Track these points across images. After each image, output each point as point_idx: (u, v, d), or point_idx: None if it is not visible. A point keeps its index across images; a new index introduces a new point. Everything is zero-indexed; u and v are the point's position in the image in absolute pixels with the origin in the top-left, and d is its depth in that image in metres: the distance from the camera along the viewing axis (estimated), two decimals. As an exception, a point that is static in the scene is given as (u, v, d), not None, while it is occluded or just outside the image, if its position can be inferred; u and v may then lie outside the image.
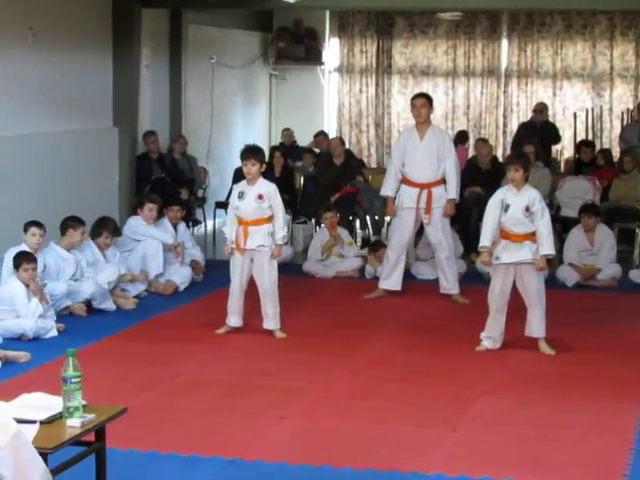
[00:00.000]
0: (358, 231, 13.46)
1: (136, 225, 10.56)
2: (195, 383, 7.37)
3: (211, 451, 5.87)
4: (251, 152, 8.59)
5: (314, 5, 13.15)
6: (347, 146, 15.07)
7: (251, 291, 8.78)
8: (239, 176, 10.39)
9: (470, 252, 11.48)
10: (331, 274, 11.31)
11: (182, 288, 10.51)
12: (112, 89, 12.16)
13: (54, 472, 4.21)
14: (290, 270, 10.97)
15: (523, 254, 8.05)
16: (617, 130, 15.74)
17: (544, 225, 8.05)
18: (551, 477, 5.68)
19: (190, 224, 12.89)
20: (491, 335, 8.27)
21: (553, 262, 10.04)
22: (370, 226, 13.28)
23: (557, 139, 14.82)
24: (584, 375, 7.66)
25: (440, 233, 10.04)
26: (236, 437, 6.17)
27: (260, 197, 8.51)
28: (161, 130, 13.22)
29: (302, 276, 11.23)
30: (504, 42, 16.49)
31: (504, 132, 16.60)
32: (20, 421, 3.94)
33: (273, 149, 14.01)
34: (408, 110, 11.76)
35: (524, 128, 14.71)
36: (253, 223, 8.53)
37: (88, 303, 9.41)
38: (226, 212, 9.85)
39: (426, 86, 16.64)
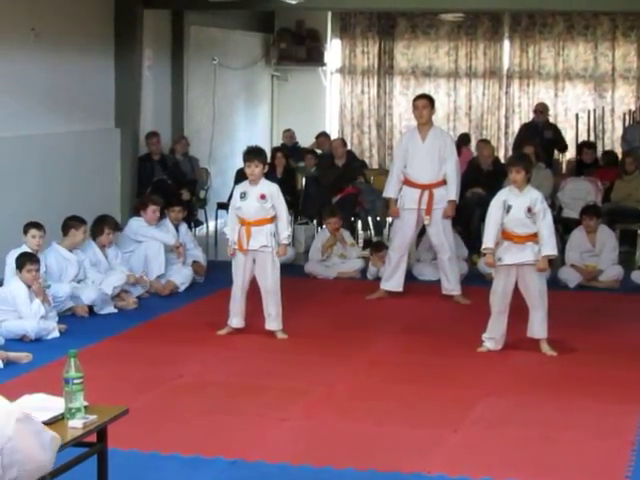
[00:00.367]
0: (359, 232, 13.47)
1: (137, 226, 10.56)
2: (197, 384, 7.37)
3: (213, 452, 5.87)
4: (254, 153, 8.59)
5: (316, 6, 13.13)
6: (349, 147, 15.07)
7: (253, 292, 8.78)
8: (241, 177, 10.40)
9: (472, 253, 11.48)
10: (333, 275, 11.30)
11: (182, 289, 10.50)
12: (114, 90, 12.18)
13: (56, 473, 4.21)
14: (292, 271, 10.96)
15: (525, 255, 8.05)
16: (619, 131, 15.76)
17: (546, 226, 8.04)
18: (553, 478, 5.68)
19: (192, 225, 12.90)
20: (493, 336, 8.26)
21: (555, 263, 10.03)
22: (372, 227, 13.28)
23: (563, 146, 14.69)
24: (586, 376, 7.66)
25: (442, 234, 10.03)
26: (238, 438, 6.17)
27: (262, 197, 8.51)
28: (163, 131, 13.22)
29: (304, 277, 11.23)
30: (506, 43, 16.50)
31: (506, 133, 16.61)
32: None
33: (275, 150, 14.01)
34: (410, 111, 11.74)
35: (526, 129, 14.70)
36: (256, 224, 8.53)
37: (89, 307, 9.42)
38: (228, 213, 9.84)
39: (428, 87, 16.65)
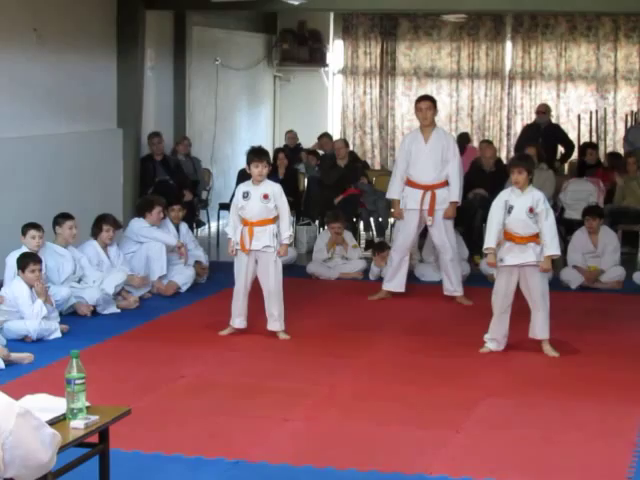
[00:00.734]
0: (362, 233, 13.48)
1: (139, 227, 10.56)
2: (199, 385, 7.37)
3: (215, 453, 5.87)
4: (262, 154, 8.61)
5: (318, 7, 13.13)
6: (351, 148, 15.08)
7: (255, 293, 8.78)
8: (243, 178, 10.40)
9: (474, 254, 11.48)
10: (335, 276, 11.31)
11: (184, 289, 10.51)
12: (116, 91, 12.18)
13: (58, 474, 4.21)
14: (294, 272, 10.97)
15: (527, 256, 8.05)
16: (621, 132, 15.76)
17: (548, 226, 8.04)
18: (555, 479, 5.67)
19: (194, 226, 12.91)
20: (495, 337, 8.26)
21: (557, 264, 10.03)
22: (374, 228, 13.28)
23: (570, 146, 14.64)
24: (588, 377, 7.65)
25: (444, 235, 10.03)
26: (240, 439, 6.17)
27: (266, 197, 8.51)
28: (165, 132, 13.23)
29: (306, 278, 11.23)
30: (508, 44, 16.50)
31: (508, 134, 16.60)
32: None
33: (277, 151, 14.02)
34: (412, 112, 11.76)
35: (528, 129, 14.69)
36: (258, 224, 8.52)
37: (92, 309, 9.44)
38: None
39: (430, 88, 16.66)
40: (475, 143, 15.47)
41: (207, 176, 14.10)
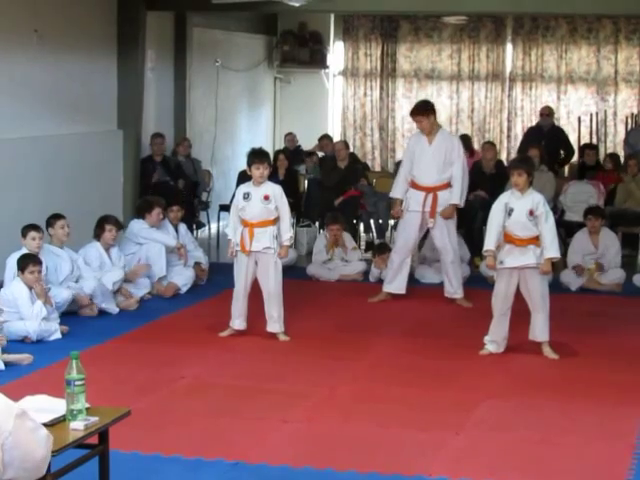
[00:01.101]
0: (362, 234, 13.47)
1: (139, 229, 10.56)
2: (198, 386, 7.37)
3: (214, 454, 5.87)
4: (264, 155, 8.62)
5: (319, 9, 13.13)
6: (351, 150, 15.07)
7: (255, 294, 8.78)
8: (243, 179, 10.40)
9: (474, 256, 11.48)
10: (335, 277, 11.30)
11: (184, 290, 10.51)
12: (117, 92, 12.19)
13: (57, 475, 4.21)
14: (294, 273, 10.96)
15: (527, 258, 8.05)
16: (621, 134, 15.76)
17: (548, 229, 8.04)
18: (554, 482, 5.69)
19: (194, 227, 12.91)
20: (495, 339, 8.26)
21: (557, 266, 10.02)
22: (374, 230, 13.28)
23: (570, 151, 14.62)
24: (588, 379, 7.65)
25: (445, 237, 10.03)
26: (239, 440, 6.16)
27: (266, 198, 8.51)
28: (165, 133, 13.23)
29: (306, 279, 11.23)
30: (509, 46, 16.49)
31: (508, 136, 16.60)
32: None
33: (277, 152, 14.02)
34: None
35: (531, 132, 14.67)
36: (259, 225, 8.52)
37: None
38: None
39: (430, 90, 16.68)
40: (476, 145, 15.45)
41: (207, 177, 14.09)
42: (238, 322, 8.76)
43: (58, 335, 8.57)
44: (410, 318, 9.66)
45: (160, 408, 6.81)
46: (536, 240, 8.06)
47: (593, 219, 10.97)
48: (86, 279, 9.45)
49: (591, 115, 15.91)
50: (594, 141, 15.54)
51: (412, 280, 10.65)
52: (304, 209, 13.43)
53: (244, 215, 8.57)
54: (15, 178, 10.34)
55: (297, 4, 10.98)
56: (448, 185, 9.90)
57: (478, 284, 10.53)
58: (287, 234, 8.63)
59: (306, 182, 14.07)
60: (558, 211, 12.33)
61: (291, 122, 16.48)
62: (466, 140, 14.92)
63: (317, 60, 16.91)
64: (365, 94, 17.16)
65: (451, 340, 8.72)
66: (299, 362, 8.03)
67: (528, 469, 5.79)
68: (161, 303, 10.11)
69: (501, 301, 8.18)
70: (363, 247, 12.97)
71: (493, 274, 8.67)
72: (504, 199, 8.19)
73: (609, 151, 15.54)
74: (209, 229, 13.90)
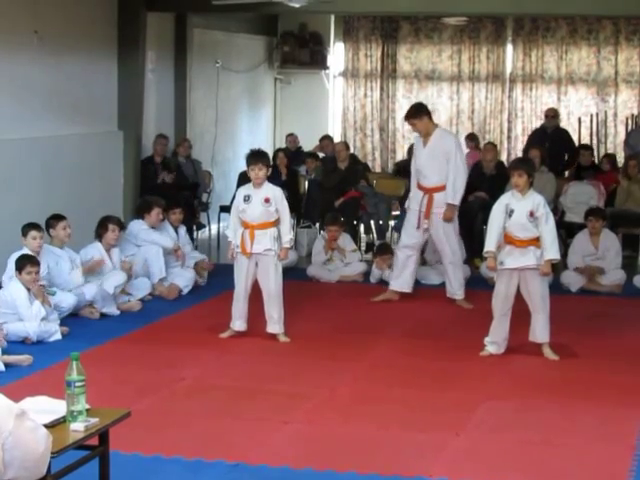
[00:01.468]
0: (362, 236, 13.47)
1: (137, 230, 10.54)
2: (199, 387, 7.37)
3: (215, 455, 5.87)
4: (258, 157, 8.59)
5: (319, 9, 13.12)
6: (351, 151, 15.07)
7: (255, 295, 8.78)
8: (243, 180, 10.39)
9: (474, 257, 11.47)
10: (335, 279, 11.30)
11: (186, 291, 10.51)
12: (117, 93, 12.19)
13: (57, 476, 4.21)
14: (294, 274, 10.96)
15: (527, 259, 8.05)
16: (622, 135, 15.75)
17: (548, 230, 8.04)
18: (555, 483, 5.69)
19: (194, 228, 12.91)
20: (495, 340, 8.26)
21: (557, 267, 10.02)
22: (374, 231, 13.28)
23: (572, 155, 14.55)
24: (588, 381, 7.65)
25: (443, 238, 10.04)
26: (240, 441, 6.16)
27: (267, 201, 8.51)
28: (166, 134, 13.22)
29: (306, 280, 11.23)
30: (509, 47, 16.48)
31: (508, 137, 16.59)
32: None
33: (277, 151, 14.02)
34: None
35: (535, 133, 14.65)
36: (259, 227, 8.53)
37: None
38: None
39: (431, 91, 16.68)
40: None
41: (207, 178, 14.09)
42: (238, 323, 8.77)
43: (58, 336, 8.57)
44: (411, 319, 9.66)
45: (160, 409, 6.81)
46: (536, 241, 8.06)
47: (594, 220, 10.97)
48: (87, 285, 9.43)
49: (591, 116, 15.91)
50: (594, 142, 15.53)
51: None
52: (304, 210, 13.42)
53: (244, 217, 8.57)
54: (15, 179, 10.34)
55: (297, 5, 10.96)
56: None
57: (478, 285, 10.53)
58: (287, 236, 8.63)
59: (306, 183, 14.06)
60: (558, 212, 12.33)
61: (291, 123, 16.47)
62: (473, 138, 14.97)
63: (317, 61, 16.90)
64: (365, 95, 17.15)
65: (451, 341, 8.72)
66: (299, 363, 8.03)
67: (528, 470, 5.79)
68: (161, 304, 10.11)
69: (501, 302, 8.18)
70: (363, 248, 12.96)
71: (493, 275, 8.67)
72: (504, 200, 8.19)
73: (610, 152, 15.53)
74: (209, 230, 13.90)
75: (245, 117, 16.15)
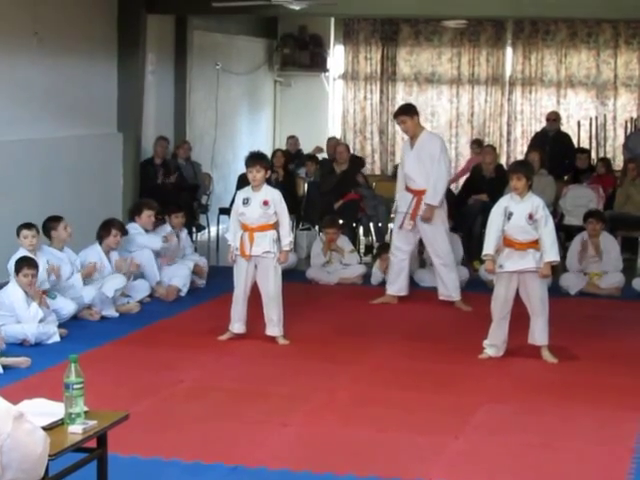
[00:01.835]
0: (361, 238, 13.47)
1: (132, 234, 10.46)
2: (197, 389, 7.36)
3: (213, 458, 5.86)
4: (256, 159, 8.59)
5: (319, 12, 13.13)
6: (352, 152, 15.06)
7: (254, 298, 8.78)
8: (243, 182, 10.39)
9: (473, 259, 11.47)
10: (334, 281, 11.29)
11: (184, 290, 10.49)
12: (117, 94, 12.19)
13: (55, 478, 4.21)
14: (293, 277, 10.95)
15: (526, 262, 8.05)
16: (621, 139, 15.75)
17: (548, 233, 8.04)
18: (554, 486, 5.68)
19: (194, 230, 12.91)
20: (494, 343, 8.26)
21: (557, 270, 10.02)
22: (373, 233, 13.27)
23: (572, 156, 14.53)
24: (587, 383, 7.65)
25: (432, 240, 10.05)
26: (239, 444, 6.16)
27: (266, 203, 8.51)
28: (165, 135, 13.22)
29: (305, 283, 11.23)
30: (509, 50, 16.49)
31: (508, 140, 16.60)
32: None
33: (275, 151, 14.01)
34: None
35: (537, 137, 14.64)
36: (259, 229, 8.53)
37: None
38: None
39: (430, 93, 16.70)
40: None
41: (207, 180, 14.09)
42: (237, 326, 8.76)
43: (57, 338, 8.56)
44: (409, 322, 9.66)
45: (159, 412, 6.80)
46: (535, 244, 8.06)
47: (594, 222, 10.97)
48: (86, 288, 9.42)
49: (590, 119, 15.91)
50: (593, 145, 15.54)
51: (411, 283, 10.63)
52: (304, 212, 13.42)
53: (244, 220, 8.57)
54: (14, 181, 10.34)
55: (297, 7, 10.98)
56: None
57: (477, 288, 10.54)
58: (287, 239, 8.63)
59: (306, 185, 14.06)
60: (558, 215, 12.34)
61: (291, 125, 16.47)
62: (480, 144, 14.93)
63: (317, 63, 16.91)
64: (365, 97, 17.15)
65: (450, 344, 8.72)
66: (298, 366, 8.02)
67: (527, 473, 5.79)
68: (160, 306, 10.10)
69: (500, 305, 8.18)
70: (363, 251, 12.96)
71: (492, 278, 8.67)
72: (503, 203, 8.19)
73: (609, 155, 15.55)
74: (209, 232, 13.90)
75: (245, 119, 16.15)
